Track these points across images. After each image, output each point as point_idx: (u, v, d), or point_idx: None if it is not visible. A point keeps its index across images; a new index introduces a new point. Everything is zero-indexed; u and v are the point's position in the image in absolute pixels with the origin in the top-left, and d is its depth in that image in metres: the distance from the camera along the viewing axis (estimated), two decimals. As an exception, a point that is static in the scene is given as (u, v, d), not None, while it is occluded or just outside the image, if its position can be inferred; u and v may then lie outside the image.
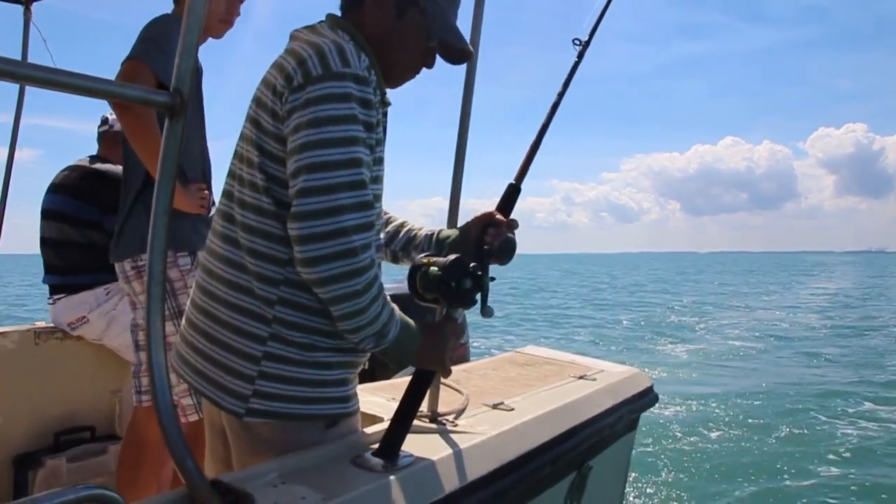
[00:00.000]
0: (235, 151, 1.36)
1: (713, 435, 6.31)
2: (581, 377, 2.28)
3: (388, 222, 1.68)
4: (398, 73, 1.44)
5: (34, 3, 2.80)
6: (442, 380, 1.73)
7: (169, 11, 2.16)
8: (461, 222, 1.68)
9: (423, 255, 1.46)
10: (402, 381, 1.64)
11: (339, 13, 1.43)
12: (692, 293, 30.66)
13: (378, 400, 1.89)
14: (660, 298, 27.20)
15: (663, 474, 5.22)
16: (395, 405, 1.43)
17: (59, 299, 2.73)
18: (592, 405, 2.02)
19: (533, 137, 1.83)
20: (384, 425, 1.43)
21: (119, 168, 2.67)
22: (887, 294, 28.60)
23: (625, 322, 17.64)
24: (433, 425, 1.66)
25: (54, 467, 2.60)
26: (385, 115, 1.40)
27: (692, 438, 6.17)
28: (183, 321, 1.44)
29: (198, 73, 2.12)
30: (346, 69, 1.21)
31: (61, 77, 0.85)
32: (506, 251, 1.56)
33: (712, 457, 5.68)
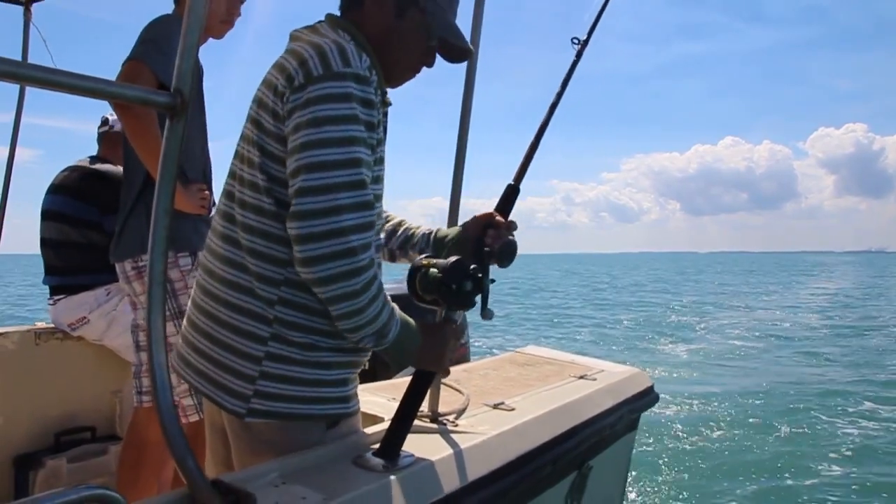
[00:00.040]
0: (236, 152, 1.36)
1: (714, 434, 6.31)
2: (581, 377, 2.28)
3: (386, 221, 1.68)
4: (398, 72, 1.44)
5: (34, 4, 2.80)
6: (442, 380, 1.73)
7: (169, 12, 2.17)
8: (461, 222, 1.67)
9: (422, 256, 1.46)
10: (402, 382, 1.64)
11: (338, 13, 1.43)
12: (692, 293, 30.67)
13: (379, 400, 1.89)
14: (660, 298, 27.20)
15: (664, 474, 5.22)
16: (395, 405, 1.43)
17: (59, 300, 2.73)
18: (593, 405, 2.02)
19: (531, 138, 1.83)
20: (385, 425, 1.43)
21: (119, 168, 2.67)
22: (887, 294, 28.60)
23: (625, 322, 17.64)
24: (434, 425, 1.66)
25: (55, 468, 2.60)
26: (385, 115, 1.40)
27: (693, 438, 6.17)
28: (184, 321, 1.44)
29: (198, 73, 2.12)
30: (347, 69, 1.21)
31: (62, 78, 0.85)
32: (507, 254, 1.55)
33: (713, 456, 5.68)
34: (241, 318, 1.29)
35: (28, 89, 2.83)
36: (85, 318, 2.70)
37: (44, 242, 2.82)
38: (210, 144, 2.28)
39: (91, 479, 2.63)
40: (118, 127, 2.81)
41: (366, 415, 1.59)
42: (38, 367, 2.69)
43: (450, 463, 1.40)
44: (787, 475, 5.26)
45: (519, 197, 1.74)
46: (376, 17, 1.38)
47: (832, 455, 5.73)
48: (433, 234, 1.64)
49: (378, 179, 1.35)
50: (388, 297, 1.29)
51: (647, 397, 2.37)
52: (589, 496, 1.98)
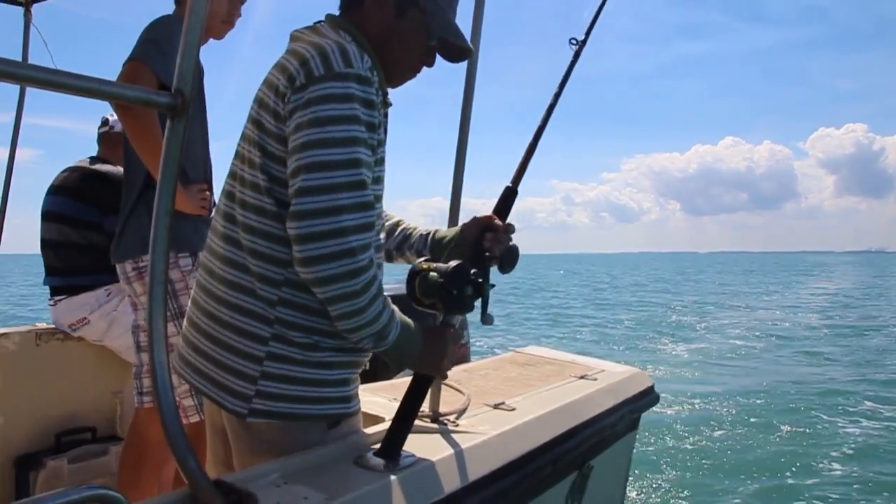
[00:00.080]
0: (237, 152, 1.36)
1: (714, 434, 6.32)
2: (582, 377, 2.28)
3: (385, 220, 1.67)
4: (398, 72, 1.44)
5: (34, 5, 2.80)
6: (443, 380, 1.73)
7: (170, 13, 2.17)
8: (462, 221, 1.67)
9: (421, 259, 1.45)
10: (403, 382, 1.64)
11: (337, 13, 1.43)
12: (693, 293, 30.68)
13: (379, 400, 1.89)
14: (660, 298, 27.21)
15: (665, 473, 5.22)
16: (396, 405, 1.43)
17: (59, 301, 2.73)
18: (593, 405, 2.02)
19: (529, 140, 1.82)
20: (386, 425, 1.43)
21: (119, 169, 2.67)
22: (887, 294, 28.60)
23: (626, 322, 17.64)
24: (434, 425, 1.66)
25: (55, 468, 2.60)
26: (386, 115, 1.40)
27: (693, 437, 6.17)
28: (184, 322, 1.44)
29: (199, 73, 2.12)
30: (348, 69, 1.21)
31: (64, 78, 0.86)
32: (509, 260, 1.54)
33: (713, 455, 5.68)
34: (243, 318, 1.29)
35: (28, 89, 2.83)
36: (85, 318, 2.70)
37: (44, 243, 2.82)
38: (210, 144, 2.28)
39: (92, 479, 2.63)
40: (118, 127, 2.81)
41: (366, 415, 1.59)
42: (39, 368, 2.69)
43: (451, 463, 1.41)
44: (787, 474, 5.26)
45: (519, 197, 1.74)
46: (376, 17, 1.38)
47: (833, 454, 5.73)
48: (431, 235, 1.63)
49: (378, 180, 1.35)
50: (389, 300, 1.29)
51: (648, 397, 2.37)
52: (590, 496, 1.98)
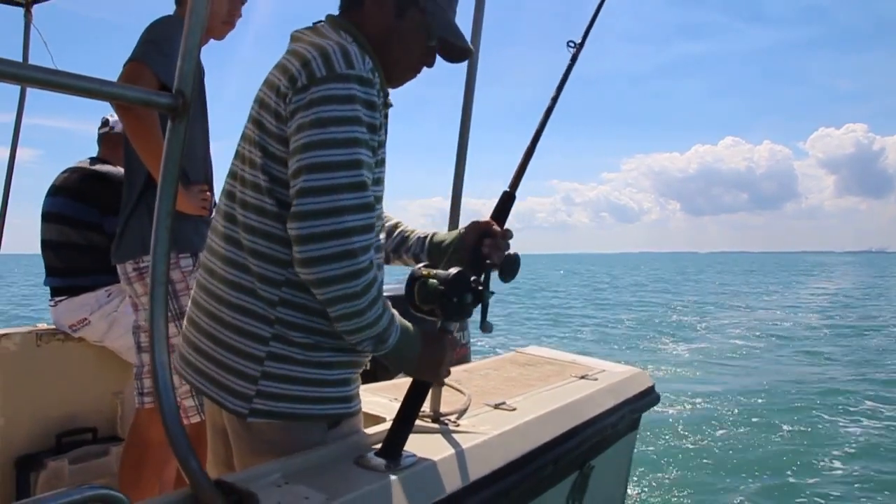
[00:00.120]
0: (237, 152, 1.36)
1: (715, 433, 6.32)
2: (583, 377, 2.28)
3: (384, 222, 1.67)
4: (399, 72, 1.44)
5: (35, 6, 2.80)
6: (440, 386, 1.73)
7: (171, 13, 2.17)
8: (463, 222, 1.67)
9: (421, 264, 1.45)
10: (404, 382, 1.64)
11: (338, 13, 1.43)
12: (693, 293, 30.68)
13: (380, 400, 1.89)
14: (661, 298, 27.21)
15: (665, 473, 5.22)
16: (397, 405, 1.43)
17: (60, 301, 2.73)
18: (594, 405, 2.03)
19: (527, 144, 1.81)
20: (386, 426, 1.44)
21: (119, 170, 2.67)
22: (887, 294, 28.60)
23: (626, 322, 17.64)
24: (435, 425, 1.67)
25: (56, 469, 2.60)
26: (386, 116, 1.40)
27: (694, 437, 6.17)
28: (185, 322, 1.44)
29: (200, 74, 2.12)
30: (350, 71, 1.21)
31: (66, 79, 0.86)
32: (510, 270, 1.54)
33: (714, 455, 5.69)
34: (244, 318, 1.29)
35: (29, 89, 2.83)
36: (86, 319, 2.70)
37: (44, 244, 2.82)
38: (211, 144, 2.28)
39: (92, 479, 2.63)
40: (118, 128, 2.81)
41: (367, 415, 1.59)
42: (40, 369, 2.69)
43: (452, 463, 1.41)
44: (788, 473, 5.26)
45: (519, 197, 1.74)
46: (376, 17, 1.38)
47: (833, 453, 5.74)
48: (428, 239, 1.63)
49: (379, 181, 1.35)
50: (389, 303, 1.28)
51: (649, 397, 2.38)
52: (590, 496, 1.98)
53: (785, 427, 6.53)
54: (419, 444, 1.43)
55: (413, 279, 1.40)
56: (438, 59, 1.49)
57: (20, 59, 2.75)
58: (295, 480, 1.21)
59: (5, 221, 2.81)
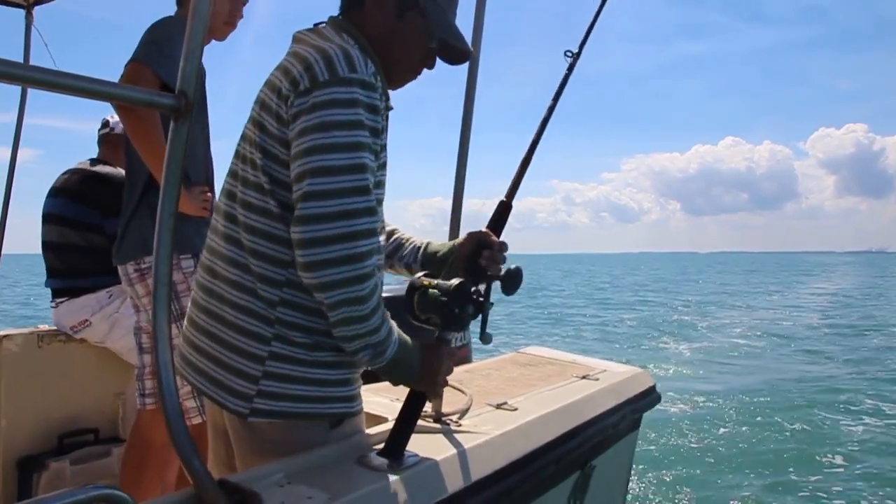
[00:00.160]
0: (237, 151, 1.36)
1: (716, 432, 6.33)
2: (584, 377, 2.28)
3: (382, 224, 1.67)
4: (399, 74, 1.44)
5: (36, 7, 2.81)
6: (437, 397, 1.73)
7: (172, 13, 2.17)
8: (463, 221, 1.67)
9: (421, 274, 1.45)
10: (405, 382, 1.64)
11: (338, 14, 1.43)
12: (694, 293, 30.69)
13: (382, 400, 1.89)
14: (662, 298, 27.21)
15: (667, 471, 5.23)
16: (398, 405, 1.43)
17: (61, 303, 2.74)
18: (595, 405, 2.02)
19: (524, 153, 1.80)
20: (388, 426, 1.44)
21: (120, 171, 2.67)
22: (887, 294, 28.60)
23: (627, 321, 17.65)
24: (437, 425, 1.66)
25: (58, 470, 2.60)
26: (387, 118, 1.40)
27: (695, 436, 6.18)
28: (185, 321, 1.44)
29: (201, 75, 2.13)
30: (352, 75, 1.21)
31: (68, 80, 0.86)
32: (512, 283, 1.53)
33: (715, 453, 5.70)
34: (246, 317, 1.29)
35: (30, 89, 2.83)
36: (87, 320, 2.70)
37: (45, 245, 2.82)
38: (211, 144, 2.28)
39: (94, 480, 2.63)
40: (119, 129, 2.81)
41: (369, 415, 1.59)
42: (42, 370, 2.69)
43: (454, 463, 1.41)
44: (789, 471, 5.28)
45: (519, 197, 1.74)
46: (377, 18, 1.38)
47: (834, 451, 5.76)
48: (423, 249, 1.63)
49: (380, 184, 1.35)
50: (388, 314, 1.28)
51: (650, 397, 2.38)
52: (592, 496, 1.98)
53: (785, 425, 6.54)
54: (421, 444, 1.43)
55: (413, 288, 1.40)
56: (439, 60, 1.49)
57: (20, 60, 2.75)
58: (298, 480, 1.21)
59: (7, 222, 2.81)
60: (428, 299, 1.37)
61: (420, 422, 1.48)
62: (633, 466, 2.63)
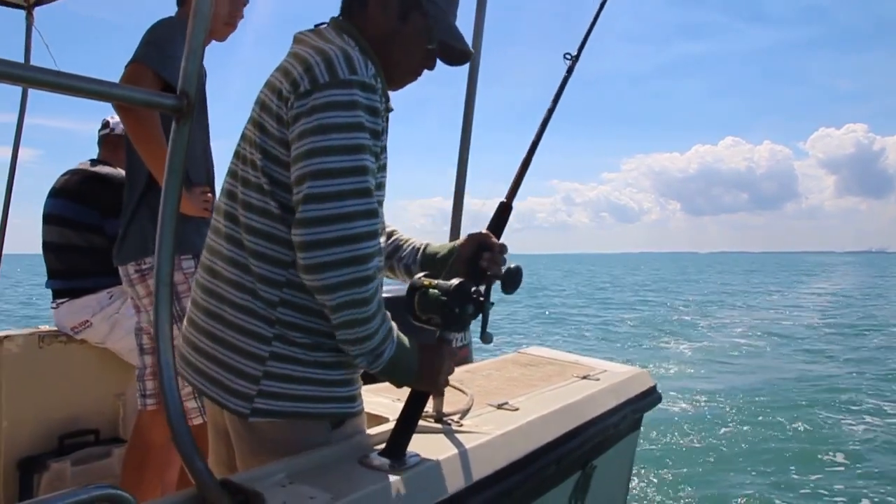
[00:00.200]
0: (237, 151, 1.36)
1: (717, 431, 6.33)
2: (584, 377, 2.28)
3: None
4: (399, 75, 1.44)
5: (36, 8, 2.81)
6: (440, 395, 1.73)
7: (172, 13, 2.17)
8: (464, 221, 1.67)
9: (421, 274, 1.45)
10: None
11: (339, 15, 1.43)
12: (694, 293, 30.70)
13: (383, 400, 1.90)
14: (662, 298, 27.22)
15: (667, 471, 5.23)
16: (399, 406, 1.43)
17: (62, 303, 2.74)
18: (596, 405, 2.03)
19: (523, 155, 1.79)
20: (389, 426, 1.44)
21: (120, 171, 2.67)
22: (887, 294, 28.60)
23: (628, 321, 17.65)
24: (438, 425, 1.67)
25: (59, 470, 2.60)
26: (387, 120, 1.40)
27: (696, 435, 6.18)
28: (185, 322, 1.44)
29: (202, 75, 2.13)
30: (353, 77, 1.21)
31: (69, 81, 0.86)
32: (512, 282, 1.53)
33: (716, 452, 5.70)
34: (246, 318, 1.29)
35: (30, 90, 2.83)
36: (88, 321, 2.70)
37: (46, 246, 2.82)
38: (212, 144, 2.28)
39: (95, 481, 2.62)
40: (119, 130, 2.82)
41: (370, 415, 1.59)
42: (42, 371, 2.69)
43: (455, 463, 1.41)
44: (790, 469, 5.28)
45: (519, 197, 1.74)
46: (380, 20, 1.38)
47: (835, 450, 5.76)
48: (422, 250, 1.62)
49: (380, 186, 1.35)
50: (388, 315, 1.28)
51: (650, 397, 2.38)
52: (592, 496, 1.98)
53: (786, 425, 6.54)
54: (422, 444, 1.43)
55: (414, 289, 1.40)
56: (439, 61, 1.49)
57: (22, 61, 2.75)
58: (299, 480, 1.21)
59: (7, 222, 2.81)
60: (428, 299, 1.37)
61: (421, 422, 1.48)
62: (634, 466, 2.63)
